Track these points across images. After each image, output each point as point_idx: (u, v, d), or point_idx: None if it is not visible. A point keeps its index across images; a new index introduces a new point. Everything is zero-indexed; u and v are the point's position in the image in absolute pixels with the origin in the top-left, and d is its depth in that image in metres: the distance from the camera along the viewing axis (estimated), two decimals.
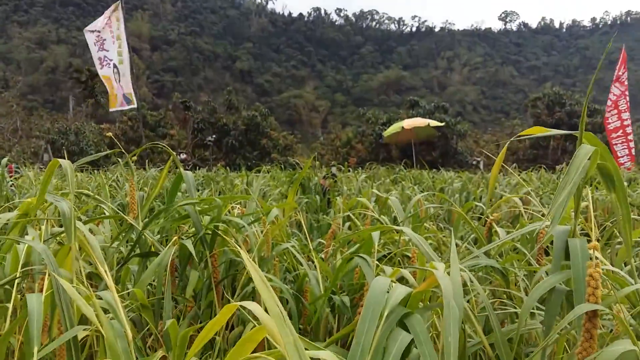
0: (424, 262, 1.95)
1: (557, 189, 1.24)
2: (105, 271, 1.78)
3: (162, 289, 2.17)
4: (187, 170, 2.71)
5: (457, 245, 3.10)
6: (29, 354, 1.68)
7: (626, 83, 11.41)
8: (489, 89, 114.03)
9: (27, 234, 2.20)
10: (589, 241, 1.35)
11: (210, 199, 2.44)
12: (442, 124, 20.10)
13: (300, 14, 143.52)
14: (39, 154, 27.28)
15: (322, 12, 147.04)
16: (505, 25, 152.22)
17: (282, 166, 15.64)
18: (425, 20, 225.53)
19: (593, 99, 42.69)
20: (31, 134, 31.90)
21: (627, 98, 11.38)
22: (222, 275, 2.48)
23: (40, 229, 2.36)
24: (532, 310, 2.11)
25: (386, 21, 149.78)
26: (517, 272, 2.28)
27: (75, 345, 1.60)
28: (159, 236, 3.14)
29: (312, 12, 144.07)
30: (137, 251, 2.54)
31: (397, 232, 2.51)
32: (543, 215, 3.80)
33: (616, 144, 11.67)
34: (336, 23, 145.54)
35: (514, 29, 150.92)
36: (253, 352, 1.01)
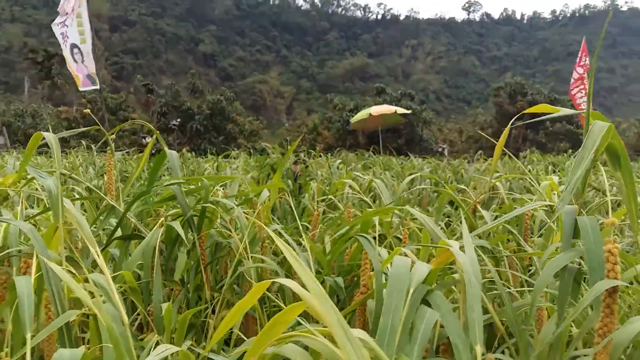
0: (423, 242, 1.94)
1: (574, 164, 1.24)
2: (97, 252, 1.69)
3: (150, 272, 2.10)
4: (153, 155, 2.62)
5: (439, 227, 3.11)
6: (18, 340, 1.59)
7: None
8: (452, 78, 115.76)
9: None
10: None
11: (198, 179, 2.36)
12: (409, 111, 20.26)
13: None
14: None
15: None
16: (468, 15, 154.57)
17: (250, 151, 15.50)
18: (391, 9, 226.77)
19: (552, 89, 43.94)
20: None
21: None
22: (209, 258, 2.42)
23: (14, 210, 2.24)
24: (523, 289, 2.15)
25: (352, 8, 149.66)
26: (504, 252, 2.31)
27: (68, 331, 1.52)
28: (135, 219, 3.03)
29: None
30: (119, 234, 2.44)
31: (389, 214, 2.50)
32: (514, 200, 3.89)
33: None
34: (302, 8, 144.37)
35: (477, 19, 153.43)
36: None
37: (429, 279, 1.27)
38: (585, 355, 1.47)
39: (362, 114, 18.33)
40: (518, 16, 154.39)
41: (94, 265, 2.42)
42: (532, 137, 30.57)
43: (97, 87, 11.10)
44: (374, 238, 2.56)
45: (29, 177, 2.24)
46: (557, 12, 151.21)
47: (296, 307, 0.86)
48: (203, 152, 19.35)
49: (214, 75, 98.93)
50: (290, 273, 2.47)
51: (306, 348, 0.98)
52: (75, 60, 10.93)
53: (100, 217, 2.69)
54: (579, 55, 12.00)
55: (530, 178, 3.06)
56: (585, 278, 1.69)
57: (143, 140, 18.04)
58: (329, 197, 3.48)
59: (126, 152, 9.69)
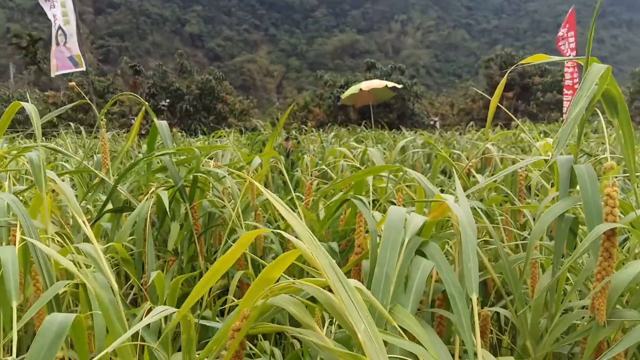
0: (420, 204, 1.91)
1: (570, 106, 1.21)
2: (84, 221, 1.66)
3: (143, 244, 2.07)
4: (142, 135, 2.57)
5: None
6: (7, 313, 1.56)
7: (572, 46, 11.20)
8: (442, 52, 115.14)
9: None
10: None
11: (189, 149, 2.32)
12: (400, 85, 20.10)
13: None
14: None
15: None
16: None
17: (241, 130, 15.39)
18: None
19: None
20: None
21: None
22: (203, 229, 2.39)
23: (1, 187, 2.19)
24: (516, 243, 2.14)
25: None
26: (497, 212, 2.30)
27: (57, 303, 1.49)
28: (126, 193, 2.98)
29: None
30: (110, 206, 2.40)
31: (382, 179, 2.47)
32: (513, 162, 3.88)
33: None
34: None
35: None
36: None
37: (424, 234, 1.25)
38: (583, 307, 1.46)
39: (352, 90, 18.17)
40: None
41: (86, 240, 2.39)
42: (523, 108, 30.54)
43: (83, 68, 10.89)
44: (369, 203, 2.54)
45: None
46: None
47: (290, 255, 0.83)
48: (194, 132, 19.19)
49: (202, 56, 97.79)
50: (284, 240, 2.44)
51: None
52: (57, 43, 10.69)
53: (90, 193, 2.65)
54: (563, 24, 11.52)
55: (526, 135, 3.03)
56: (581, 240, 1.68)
57: (132, 122, 17.84)
58: (322, 166, 3.44)
59: (116, 133, 9.58)
